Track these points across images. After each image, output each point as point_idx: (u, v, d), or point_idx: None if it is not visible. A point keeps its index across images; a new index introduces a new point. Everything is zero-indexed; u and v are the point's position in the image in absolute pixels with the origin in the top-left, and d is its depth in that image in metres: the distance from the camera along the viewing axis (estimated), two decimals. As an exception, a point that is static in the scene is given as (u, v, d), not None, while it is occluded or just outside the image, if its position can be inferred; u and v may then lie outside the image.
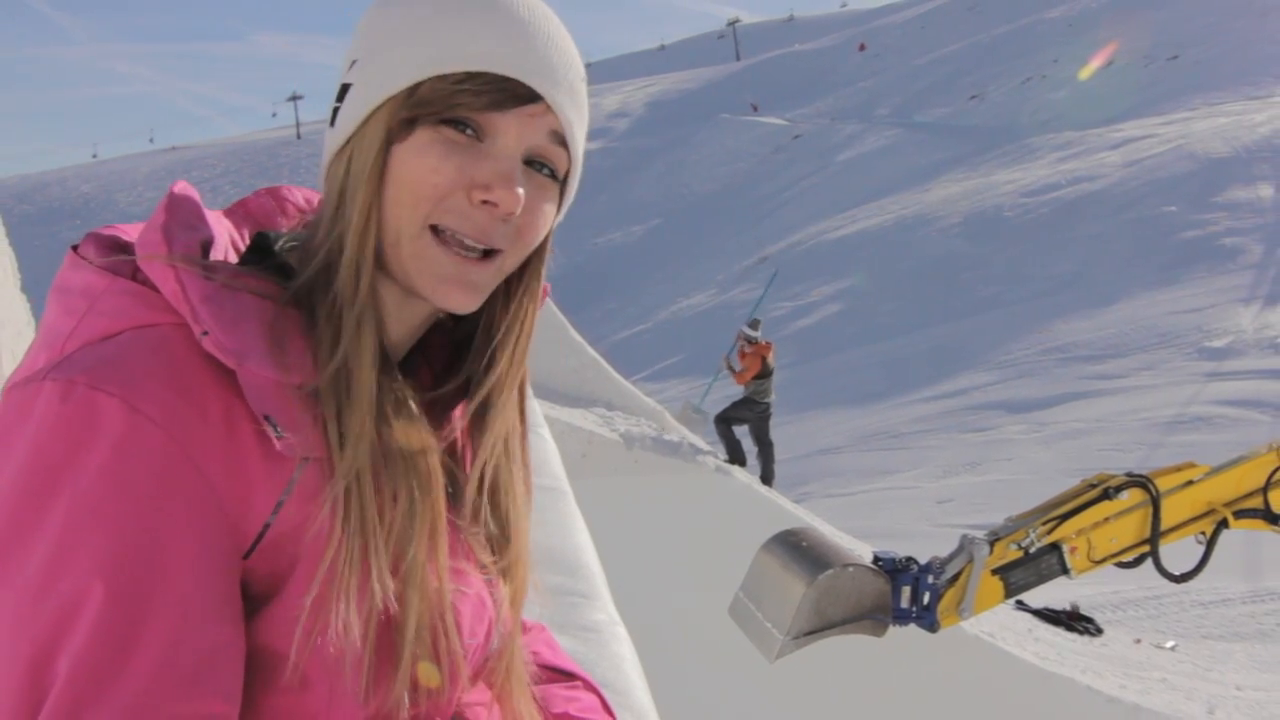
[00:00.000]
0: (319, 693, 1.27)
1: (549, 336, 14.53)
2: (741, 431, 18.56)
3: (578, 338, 15.80)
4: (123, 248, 1.31)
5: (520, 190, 1.34)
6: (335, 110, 1.38)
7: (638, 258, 66.93)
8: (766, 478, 18.05)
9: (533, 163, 1.38)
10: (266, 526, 1.24)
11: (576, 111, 1.40)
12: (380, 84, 1.33)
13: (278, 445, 1.23)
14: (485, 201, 1.33)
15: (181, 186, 1.37)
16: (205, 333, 1.21)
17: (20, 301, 10.07)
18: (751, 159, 79.63)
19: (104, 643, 1.13)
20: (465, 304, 1.38)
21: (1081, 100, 64.33)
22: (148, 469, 1.16)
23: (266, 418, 1.22)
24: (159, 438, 1.17)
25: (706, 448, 16.21)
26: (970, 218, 48.61)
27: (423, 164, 1.32)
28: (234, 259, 1.40)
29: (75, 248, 1.32)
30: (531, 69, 1.34)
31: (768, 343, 18.80)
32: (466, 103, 1.32)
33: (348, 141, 1.35)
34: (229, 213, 1.47)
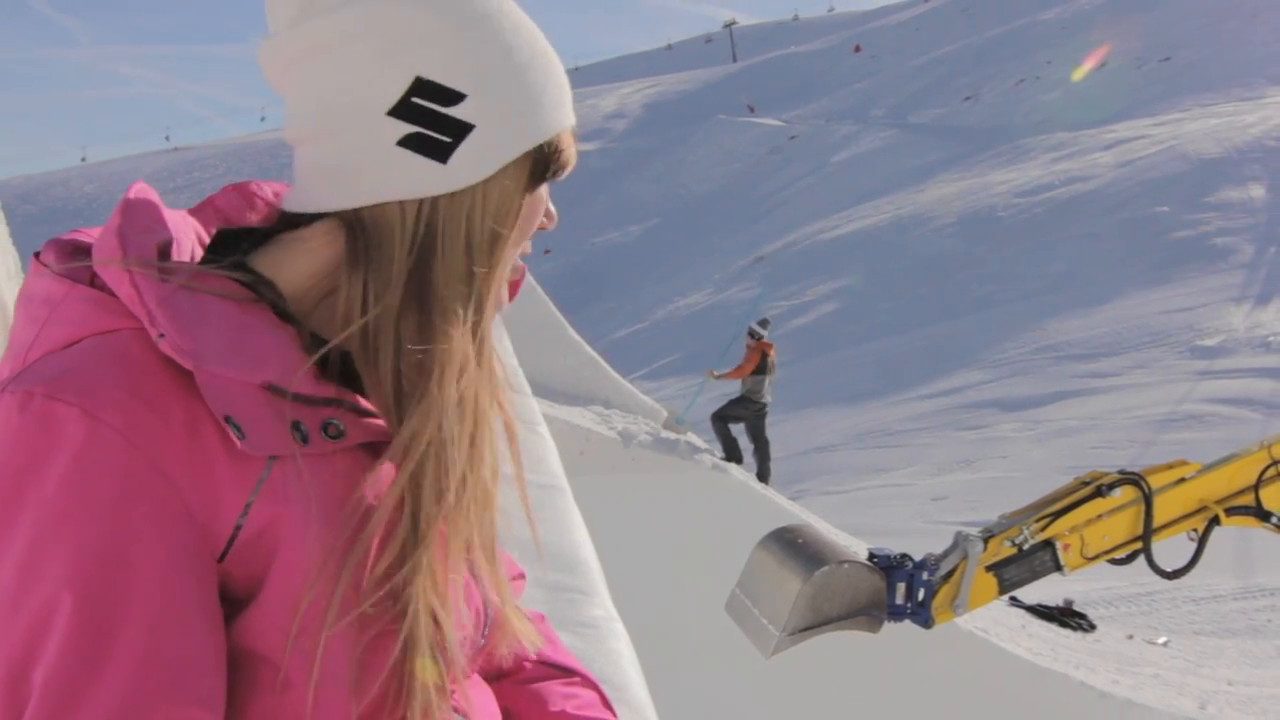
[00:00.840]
0: (303, 694, 1.25)
1: (547, 335, 14.53)
2: (738, 429, 18.53)
3: (575, 337, 15.77)
4: (84, 253, 1.30)
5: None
6: (447, 144, 1.33)
7: (635, 257, 66.93)
8: (762, 475, 17.99)
9: None
10: (238, 529, 1.22)
11: None
12: (519, 134, 1.35)
13: (240, 446, 1.21)
14: (539, 227, 1.43)
15: (138, 189, 1.35)
16: (161, 335, 1.19)
17: (24, 300, 10.09)
18: (748, 159, 79.62)
19: (76, 655, 1.12)
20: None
21: (1075, 101, 64.33)
22: (109, 477, 1.15)
23: (227, 418, 1.20)
24: (120, 445, 1.15)
25: (704, 445, 16.20)
26: (964, 218, 48.65)
27: (539, 210, 1.41)
28: (200, 257, 1.38)
29: (38, 254, 1.30)
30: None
31: (770, 343, 18.75)
32: (572, 155, 1.42)
33: (470, 186, 1.34)
34: (196, 211, 1.45)
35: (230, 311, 1.27)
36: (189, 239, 1.38)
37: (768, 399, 18.60)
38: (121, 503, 1.15)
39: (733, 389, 19.02)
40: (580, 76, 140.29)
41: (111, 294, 1.23)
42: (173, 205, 1.37)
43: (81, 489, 1.14)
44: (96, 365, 1.18)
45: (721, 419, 18.53)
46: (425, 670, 1.33)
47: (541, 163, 1.37)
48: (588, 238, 71.48)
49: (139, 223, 1.30)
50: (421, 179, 1.32)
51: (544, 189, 1.40)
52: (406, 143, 1.31)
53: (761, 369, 18.33)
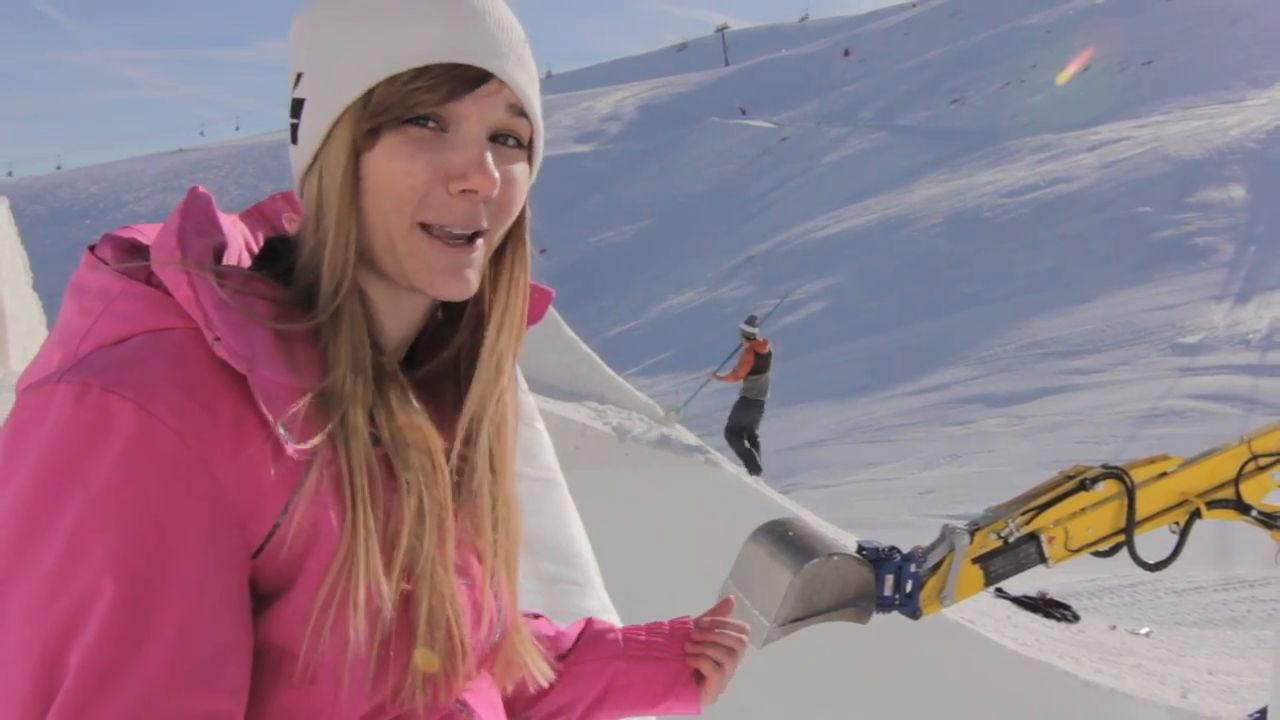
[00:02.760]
0: (325, 688, 1.27)
1: (543, 332, 14.52)
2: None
3: (571, 334, 15.77)
4: (139, 250, 1.31)
5: (494, 172, 1.33)
6: (294, 126, 1.37)
7: (629, 257, 66.91)
8: (755, 470, 17.95)
9: (497, 137, 1.37)
10: (276, 527, 1.23)
11: (527, 77, 1.39)
12: (335, 96, 1.32)
13: (286, 449, 1.22)
14: (465, 190, 1.33)
15: (199, 191, 1.36)
16: (217, 339, 1.20)
17: (32, 299, 10.07)
18: (740, 161, 79.54)
19: (113, 639, 1.13)
20: (462, 291, 1.38)
21: (1059, 104, 64.31)
22: (158, 470, 1.16)
23: (276, 421, 1.22)
24: (170, 440, 1.17)
25: (696, 441, 16.20)
26: (951, 218, 48.65)
27: (395, 168, 1.31)
28: (248, 262, 1.40)
29: (93, 248, 1.32)
30: (477, 50, 1.32)
31: (763, 339, 18.66)
32: (424, 99, 1.31)
33: (315, 157, 1.34)
34: (245, 216, 1.47)
35: (280, 318, 1.29)
36: (238, 243, 1.39)
37: (765, 397, 18.56)
38: (168, 495, 1.17)
39: (732, 393, 18.98)
40: (576, 80, 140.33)
41: (167, 293, 1.24)
42: (174, 206, 1.37)
43: (131, 480, 1.15)
44: (152, 362, 1.20)
45: (732, 434, 18.46)
46: (430, 663, 1.34)
47: (369, 118, 1.31)
48: (583, 237, 71.42)
49: (197, 225, 1.32)
50: (295, 165, 1.37)
51: (401, 147, 1.32)
52: (292, 136, 1.37)
53: (757, 369, 18.28)
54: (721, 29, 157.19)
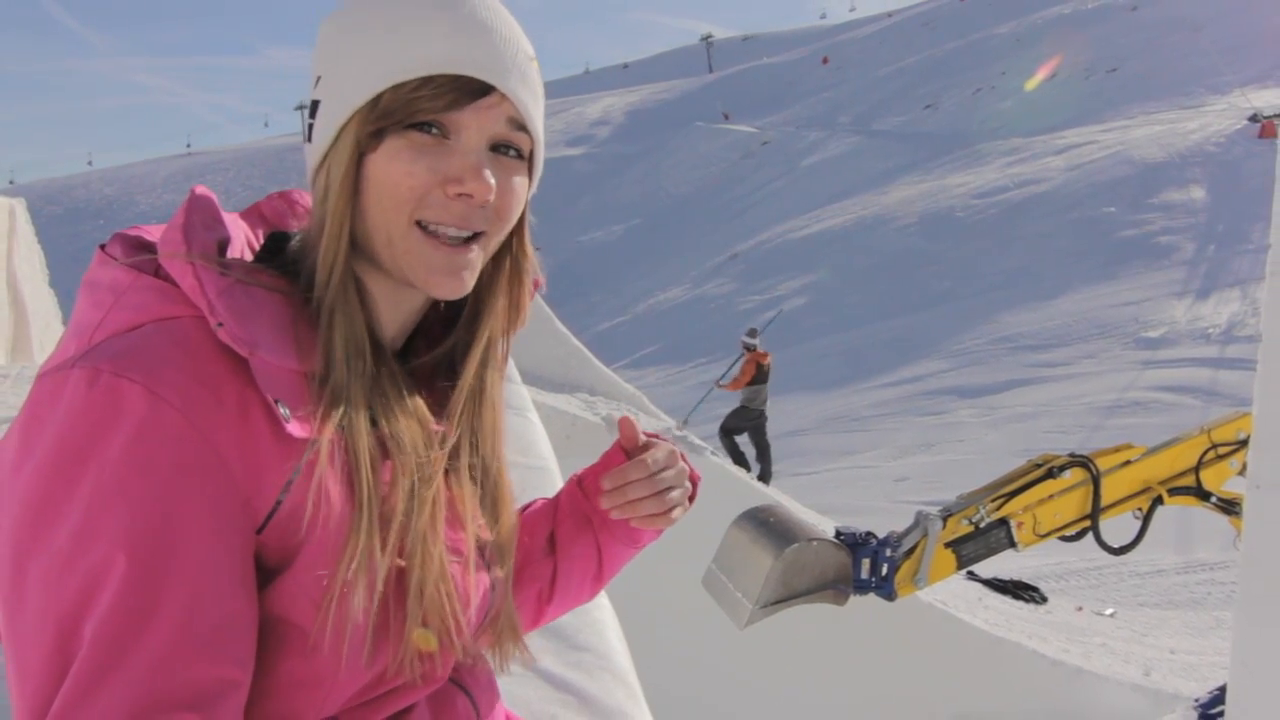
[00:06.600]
0: (327, 658, 1.28)
1: (536, 328, 14.51)
2: (741, 439, 18.60)
3: (563, 329, 15.75)
4: (146, 247, 1.32)
5: (491, 179, 1.35)
6: (310, 126, 1.39)
7: (618, 255, 66.90)
8: (764, 477, 17.97)
9: (498, 147, 1.39)
10: (278, 503, 1.24)
11: (530, 93, 1.40)
12: (345, 99, 1.34)
13: (287, 428, 1.23)
14: (460, 194, 1.34)
15: (201, 190, 1.38)
16: (220, 324, 1.21)
17: (48, 295, 10.04)
18: (723, 164, 79.53)
19: (125, 611, 1.14)
20: (458, 290, 1.40)
21: (1028, 109, 64.31)
22: (166, 450, 1.17)
23: (276, 402, 1.23)
24: (177, 421, 1.17)
25: (680, 432, 16.20)
26: (925, 218, 48.69)
27: (396, 169, 1.33)
28: (249, 257, 1.41)
29: (104, 246, 1.33)
30: (481, 64, 1.34)
31: (764, 352, 18.83)
32: (426, 107, 1.33)
33: (325, 155, 1.36)
34: (245, 215, 1.48)
35: (280, 305, 1.30)
36: (240, 239, 1.41)
37: (763, 407, 18.69)
38: (176, 473, 1.18)
39: (733, 400, 19.10)
40: (570, 85, 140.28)
41: (174, 284, 1.26)
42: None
43: (141, 459, 1.16)
44: (160, 348, 1.21)
45: (725, 432, 18.61)
46: (427, 641, 1.35)
47: (373, 122, 1.33)
48: (574, 236, 71.39)
49: (201, 220, 1.33)
50: (309, 162, 1.39)
51: (403, 151, 1.33)
52: (308, 134, 1.40)
53: (757, 379, 18.42)
54: (706, 38, 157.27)
